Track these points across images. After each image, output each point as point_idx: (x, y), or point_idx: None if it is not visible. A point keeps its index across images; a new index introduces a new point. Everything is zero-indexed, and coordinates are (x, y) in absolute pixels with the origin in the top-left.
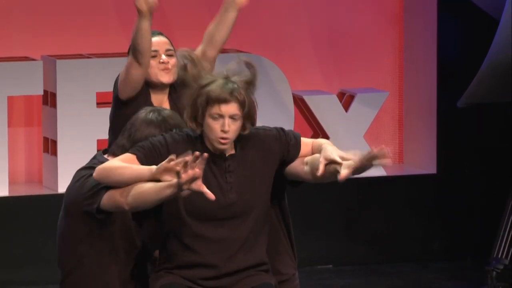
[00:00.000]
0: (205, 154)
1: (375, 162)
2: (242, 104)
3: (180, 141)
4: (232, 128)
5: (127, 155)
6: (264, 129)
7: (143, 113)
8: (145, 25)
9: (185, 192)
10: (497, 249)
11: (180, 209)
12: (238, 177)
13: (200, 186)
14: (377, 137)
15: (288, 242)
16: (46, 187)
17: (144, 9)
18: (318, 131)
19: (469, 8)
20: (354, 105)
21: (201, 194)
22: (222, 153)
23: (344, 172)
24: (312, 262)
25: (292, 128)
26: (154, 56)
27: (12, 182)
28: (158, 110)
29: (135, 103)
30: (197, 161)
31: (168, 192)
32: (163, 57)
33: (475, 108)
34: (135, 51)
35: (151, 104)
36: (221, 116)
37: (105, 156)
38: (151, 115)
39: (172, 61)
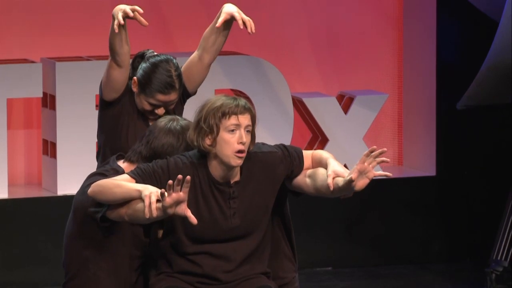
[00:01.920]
0: (188, 177)
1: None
2: (253, 118)
3: (184, 168)
4: (247, 140)
5: (125, 176)
6: (270, 151)
7: (163, 121)
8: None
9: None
10: (496, 251)
11: (178, 231)
12: (242, 202)
13: (184, 210)
14: (376, 139)
15: (289, 246)
16: (45, 189)
17: (119, 18)
18: (318, 134)
19: (468, 10)
20: (353, 107)
21: (201, 220)
22: (227, 181)
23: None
24: (311, 264)
25: (291, 131)
26: (158, 106)
27: (11, 184)
28: (177, 120)
29: (120, 103)
30: (184, 185)
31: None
32: (160, 110)
33: (475, 110)
34: (112, 52)
35: (134, 104)
36: (238, 127)
37: (119, 162)
38: (170, 124)
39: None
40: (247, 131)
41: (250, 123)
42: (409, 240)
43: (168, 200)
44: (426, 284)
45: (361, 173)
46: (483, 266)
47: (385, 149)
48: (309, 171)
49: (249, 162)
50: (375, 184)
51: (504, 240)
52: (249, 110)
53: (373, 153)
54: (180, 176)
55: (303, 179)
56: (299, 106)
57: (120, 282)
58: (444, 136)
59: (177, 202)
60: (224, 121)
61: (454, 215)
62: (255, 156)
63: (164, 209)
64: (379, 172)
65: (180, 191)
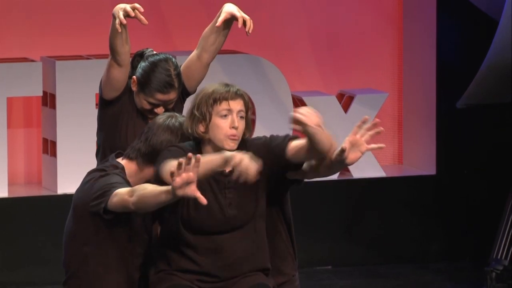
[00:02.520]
0: (198, 156)
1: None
2: (246, 104)
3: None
4: (240, 125)
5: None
6: (254, 139)
7: (161, 118)
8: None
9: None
10: (496, 250)
11: (178, 222)
12: (238, 192)
13: (194, 191)
14: (376, 138)
15: (290, 244)
16: (46, 188)
17: (121, 17)
18: None
19: (468, 9)
20: (353, 106)
21: (198, 209)
22: (222, 169)
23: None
24: (311, 263)
25: (291, 130)
26: (157, 105)
27: (11, 183)
28: (176, 116)
29: (120, 102)
30: (193, 164)
31: (164, 197)
32: (160, 109)
33: (475, 109)
34: (112, 51)
35: (133, 103)
36: (230, 112)
37: (118, 159)
38: (169, 121)
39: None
40: (240, 117)
41: (242, 108)
42: (409, 239)
43: (178, 180)
44: (426, 283)
45: (353, 145)
46: (483, 265)
47: (378, 120)
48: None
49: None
50: (375, 182)
51: (504, 239)
52: (241, 96)
53: (365, 125)
54: (190, 155)
55: (300, 151)
56: (299, 105)
57: (121, 279)
58: (444, 135)
59: (187, 183)
60: (216, 106)
61: (454, 214)
62: (246, 147)
63: (173, 190)
64: (371, 146)
65: (190, 171)
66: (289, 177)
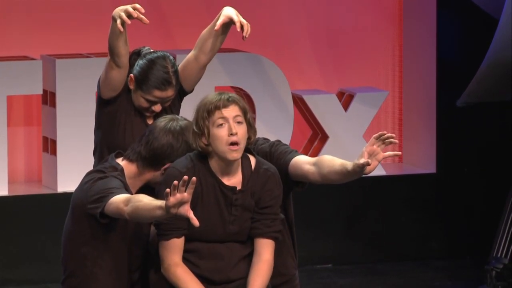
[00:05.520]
0: (194, 178)
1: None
2: (242, 108)
3: (190, 174)
4: (239, 131)
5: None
6: (259, 144)
7: (163, 122)
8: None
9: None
10: (496, 248)
11: None
12: (243, 210)
13: (187, 211)
14: None
15: (291, 244)
16: (46, 186)
17: (124, 18)
18: (318, 131)
19: (468, 7)
20: (353, 104)
21: (199, 222)
22: (233, 186)
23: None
24: (311, 261)
25: (292, 128)
26: (155, 103)
27: (11, 182)
28: (177, 120)
29: (117, 102)
30: (188, 185)
31: (158, 213)
32: (157, 107)
33: (475, 107)
34: (112, 53)
35: (131, 101)
36: (225, 120)
37: (118, 160)
38: (170, 125)
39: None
40: (238, 122)
41: (239, 113)
42: (409, 237)
43: (172, 200)
44: (426, 281)
45: (370, 155)
46: (483, 263)
47: (394, 135)
48: (313, 159)
49: (258, 175)
50: (375, 181)
51: (504, 237)
52: (234, 101)
53: (382, 137)
54: (186, 177)
55: (308, 168)
56: (299, 103)
57: (119, 280)
58: (444, 134)
59: (181, 203)
60: (211, 118)
61: (454, 212)
62: (264, 172)
63: (167, 208)
64: (388, 153)
65: (185, 191)
66: (292, 178)
